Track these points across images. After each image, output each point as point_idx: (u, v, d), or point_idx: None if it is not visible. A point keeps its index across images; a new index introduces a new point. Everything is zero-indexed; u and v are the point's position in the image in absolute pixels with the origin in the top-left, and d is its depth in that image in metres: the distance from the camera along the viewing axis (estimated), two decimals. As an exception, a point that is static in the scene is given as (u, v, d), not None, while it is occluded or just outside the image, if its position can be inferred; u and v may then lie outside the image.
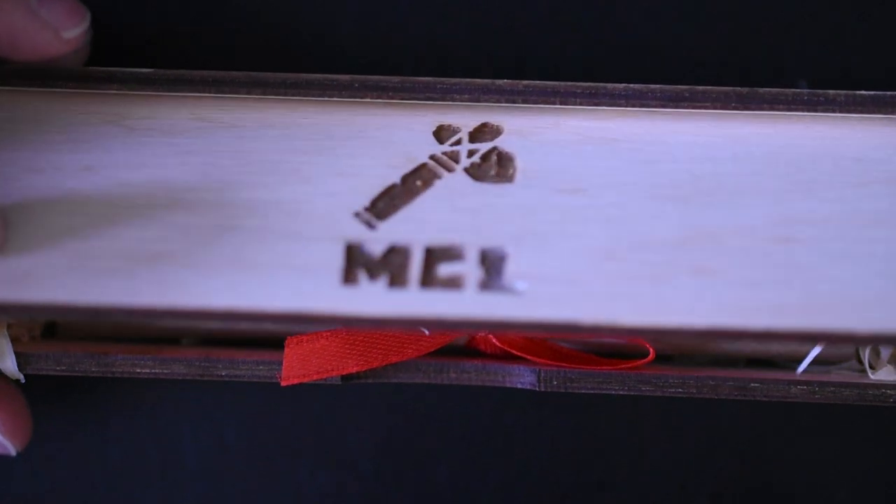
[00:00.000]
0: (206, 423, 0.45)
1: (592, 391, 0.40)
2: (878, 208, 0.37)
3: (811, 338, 0.36)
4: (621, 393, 0.40)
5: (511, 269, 0.36)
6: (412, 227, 0.36)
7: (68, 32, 0.37)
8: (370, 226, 0.37)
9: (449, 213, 0.37)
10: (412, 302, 0.36)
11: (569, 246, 0.36)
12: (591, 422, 0.45)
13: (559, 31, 0.42)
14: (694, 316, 0.35)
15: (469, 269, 0.36)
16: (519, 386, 0.39)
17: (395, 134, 0.38)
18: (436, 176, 0.38)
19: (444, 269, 0.36)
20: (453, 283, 0.36)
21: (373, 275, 0.36)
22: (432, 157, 0.38)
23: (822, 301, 0.36)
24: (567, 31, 0.42)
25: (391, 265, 0.36)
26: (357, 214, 0.37)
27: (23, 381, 0.41)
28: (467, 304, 0.36)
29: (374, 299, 0.36)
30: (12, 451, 0.41)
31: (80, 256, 0.37)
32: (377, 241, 0.36)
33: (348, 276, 0.36)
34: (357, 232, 0.37)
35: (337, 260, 0.36)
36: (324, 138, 0.38)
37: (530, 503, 0.46)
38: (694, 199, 0.37)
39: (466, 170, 0.38)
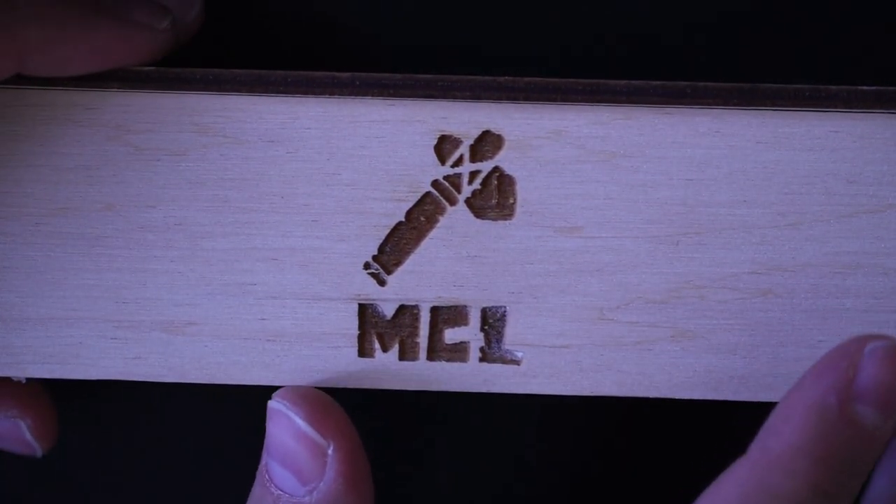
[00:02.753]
0: (205, 426, 0.45)
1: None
2: (859, 248, 0.39)
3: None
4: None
5: (509, 334, 0.39)
6: (419, 281, 0.39)
7: (161, 23, 0.38)
8: (380, 281, 0.39)
9: (452, 262, 0.39)
10: (420, 375, 0.39)
11: (562, 302, 0.39)
12: (590, 423, 0.45)
13: (561, 30, 0.42)
14: (670, 389, 0.39)
15: (471, 335, 0.39)
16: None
17: (397, 151, 0.38)
18: (438, 210, 0.39)
19: (449, 335, 0.39)
20: (457, 355, 0.39)
21: (385, 344, 0.39)
22: (435, 185, 0.39)
23: (786, 370, 0.39)
24: (569, 29, 0.42)
25: (401, 327, 0.39)
26: (367, 266, 0.39)
27: (24, 381, 0.41)
28: (469, 377, 0.39)
29: (387, 373, 0.39)
30: (39, 453, 0.42)
31: (120, 325, 0.39)
32: (387, 300, 0.39)
33: (363, 349, 0.39)
34: (368, 289, 0.39)
35: (352, 325, 0.39)
36: (327, 159, 0.38)
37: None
38: (683, 241, 0.39)
39: (468, 200, 0.39)
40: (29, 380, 0.40)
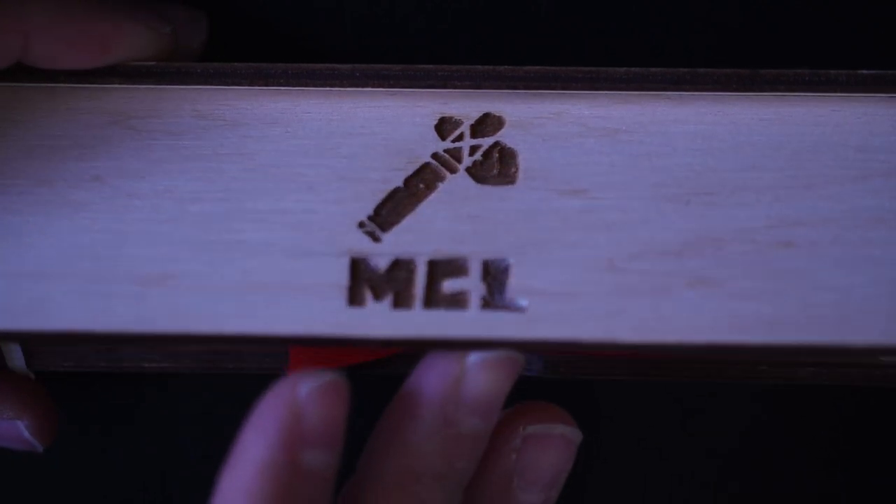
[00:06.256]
0: (209, 422, 0.45)
1: (600, 377, 0.40)
2: (878, 205, 0.37)
3: (807, 352, 0.37)
4: (629, 379, 0.40)
5: (513, 284, 0.36)
6: (416, 238, 0.37)
7: (163, 28, 0.38)
8: (374, 238, 0.37)
9: (452, 221, 0.37)
10: (416, 323, 0.36)
11: (569, 256, 0.37)
12: (597, 409, 0.45)
13: (559, 16, 0.42)
14: (692, 332, 0.36)
15: (472, 285, 0.37)
16: (525, 374, 0.39)
17: (397, 130, 0.38)
18: (438, 178, 0.38)
19: (448, 286, 0.37)
20: (457, 302, 0.36)
21: (378, 294, 0.36)
22: (435, 157, 0.38)
23: (818, 313, 0.36)
24: (567, 16, 0.42)
25: (396, 281, 0.37)
26: (361, 225, 0.37)
27: (32, 378, 0.41)
28: (470, 324, 0.36)
29: (379, 321, 0.36)
30: (39, 449, 0.42)
31: (91, 280, 0.37)
32: (382, 255, 0.37)
33: (354, 298, 0.36)
34: (362, 245, 0.37)
35: (343, 277, 0.37)
36: (325, 136, 0.38)
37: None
38: (694, 200, 0.37)
39: (468, 170, 0.38)
40: (28, 378, 0.40)
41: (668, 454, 0.45)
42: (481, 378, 0.34)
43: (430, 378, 0.34)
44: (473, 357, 0.34)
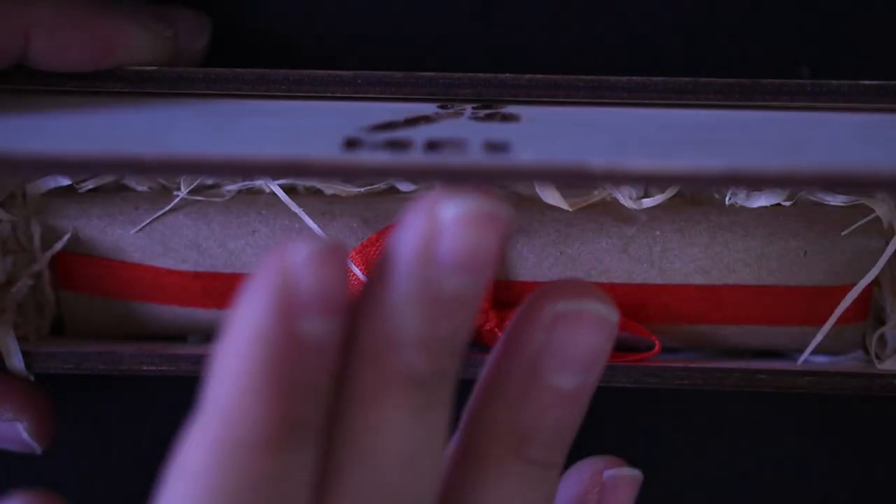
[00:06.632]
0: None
1: (600, 384, 0.40)
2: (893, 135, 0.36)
3: (833, 181, 0.34)
4: (627, 385, 0.40)
5: (517, 148, 0.34)
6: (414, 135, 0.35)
7: (165, 32, 0.39)
8: (371, 134, 0.36)
9: (453, 131, 0.36)
10: (415, 158, 0.34)
11: (575, 142, 0.35)
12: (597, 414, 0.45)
13: (561, 25, 0.42)
14: (710, 160, 0.33)
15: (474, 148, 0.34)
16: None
17: (399, 106, 0.38)
18: (439, 119, 0.37)
19: (450, 143, 0.34)
20: (458, 147, 0.34)
21: (374, 148, 0.34)
22: (436, 114, 0.37)
23: (844, 157, 0.34)
24: (568, 24, 0.42)
25: (393, 147, 0.34)
26: (359, 129, 0.36)
27: (32, 380, 0.41)
28: (473, 157, 0.33)
29: (375, 156, 0.33)
30: (38, 451, 0.42)
31: (78, 138, 0.35)
32: (378, 139, 0.35)
33: (349, 145, 0.34)
34: (357, 135, 0.35)
35: (337, 141, 0.34)
36: (327, 107, 0.38)
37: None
38: (704, 133, 0.36)
39: (470, 119, 0.37)
40: (27, 380, 0.41)
41: (665, 462, 0.46)
42: (459, 234, 0.30)
43: (406, 236, 0.31)
44: (450, 210, 0.30)
